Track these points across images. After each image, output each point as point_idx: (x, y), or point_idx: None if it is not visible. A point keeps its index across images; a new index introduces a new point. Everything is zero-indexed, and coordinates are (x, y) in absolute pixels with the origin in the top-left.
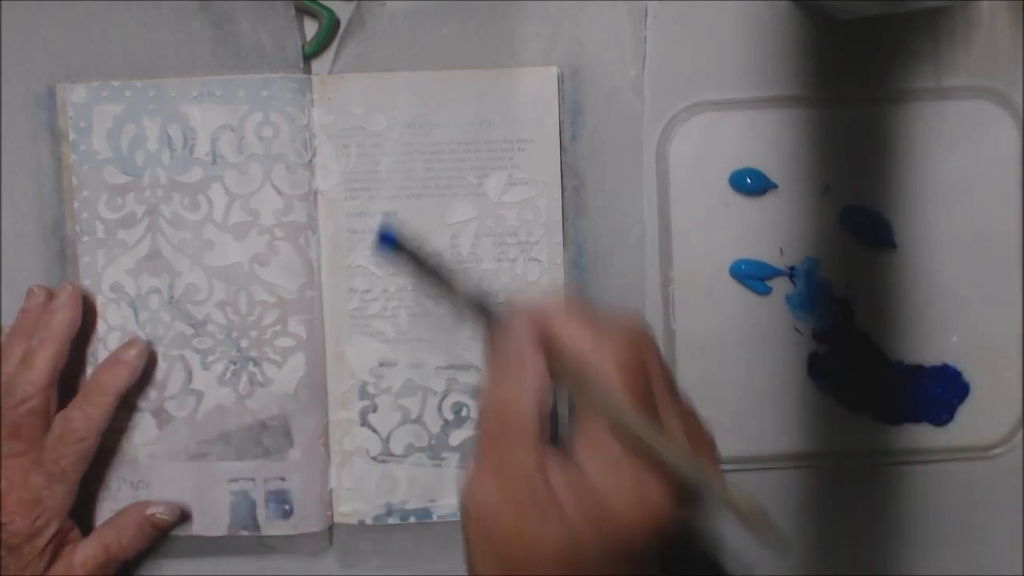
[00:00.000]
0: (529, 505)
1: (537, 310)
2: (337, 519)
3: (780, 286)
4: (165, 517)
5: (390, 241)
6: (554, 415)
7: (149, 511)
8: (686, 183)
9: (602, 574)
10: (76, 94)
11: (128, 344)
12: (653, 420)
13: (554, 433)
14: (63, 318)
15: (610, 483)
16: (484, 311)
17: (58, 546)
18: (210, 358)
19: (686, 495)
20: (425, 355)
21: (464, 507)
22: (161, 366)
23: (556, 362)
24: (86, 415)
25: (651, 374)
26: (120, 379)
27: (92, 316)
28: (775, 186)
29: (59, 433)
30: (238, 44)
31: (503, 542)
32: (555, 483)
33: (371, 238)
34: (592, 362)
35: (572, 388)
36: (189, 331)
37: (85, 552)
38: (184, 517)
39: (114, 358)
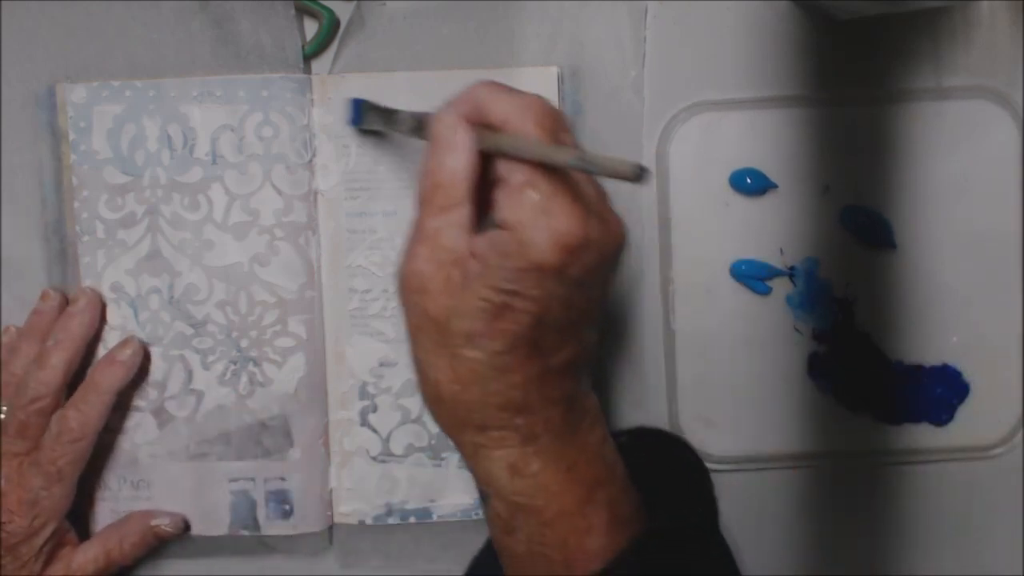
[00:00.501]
0: (454, 266)
1: (464, 94)
2: (337, 519)
3: (780, 286)
4: (169, 529)
5: (357, 107)
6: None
7: (154, 522)
8: (686, 183)
9: (527, 295)
10: (76, 94)
11: (123, 343)
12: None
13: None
14: (82, 321)
15: (527, 224)
16: (427, 121)
17: (55, 547)
18: (210, 358)
19: (593, 216)
20: None
21: (401, 279)
22: (161, 366)
23: (483, 133)
24: (82, 415)
25: (560, 134)
26: (115, 378)
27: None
28: (775, 186)
29: (56, 433)
30: (238, 44)
31: (434, 304)
32: (478, 242)
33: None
34: (514, 123)
35: (496, 150)
36: (189, 331)
37: (85, 555)
38: (186, 529)
39: (109, 357)
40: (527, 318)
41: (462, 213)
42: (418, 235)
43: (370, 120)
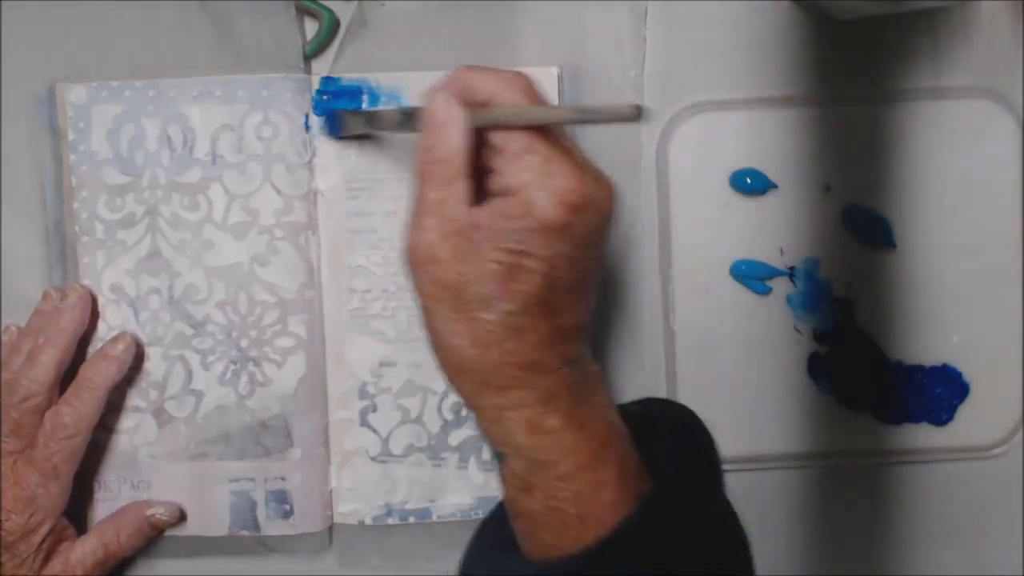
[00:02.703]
0: (460, 235)
1: (448, 77)
2: (337, 519)
3: (780, 286)
4: (164, 517)
5: (331, 118)
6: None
7: (149, 512)
8: (686, 183)
9: (537, 254)
10: (76, 94)
11: (115, 338)
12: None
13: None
14: (72, 318)
15: (531, 184)
16: (416, 111)
17: (53, 544)
18: (210, 358)
19: (589, 175)
20: (425, 355)
21: (410, 252)
22: (161, 366)
23: (476, 111)
24: (76, 410)
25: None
26: (108, 374)
27: (93, 317)
28: (775, 186)
29: (50, 429)
30: (238, 44)
31: (447, 272)
32: (480, 212)
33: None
34: (503, 96)
35: (492, 123)
36: (189, 331)
37: (84, 549)
38: (182, 517)
39: (101, 353)
40: (538, 278)
41: (463, 186)
42: (422, 208)
43: (351, 126)
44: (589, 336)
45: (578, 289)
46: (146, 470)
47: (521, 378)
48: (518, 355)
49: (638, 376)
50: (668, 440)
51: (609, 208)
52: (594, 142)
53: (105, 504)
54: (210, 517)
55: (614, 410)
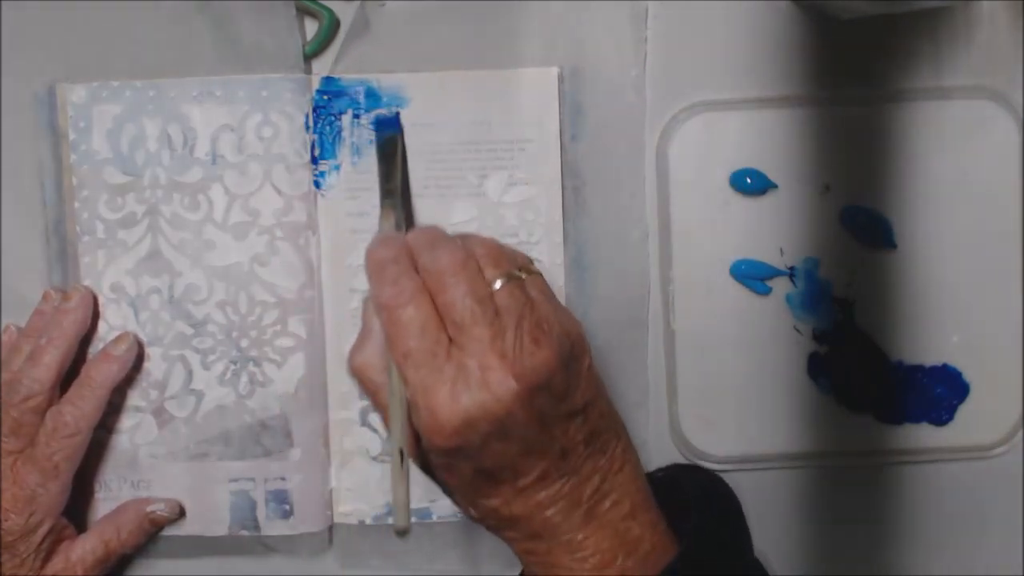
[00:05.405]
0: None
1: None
2: (337, 519)
3: (780, 286)
4: (164, 514)
5: (391, 126)
6: None
7: (149, 508)
8: (686, 183)
9: (456, 462)
10: (76, 94)
11: (117, 339)
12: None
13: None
14: (74, 319)
15: (414, 415)
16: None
17: (53, 543)
18: (210, 358)
19: (469, 390)
20: None
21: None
22: (161, 366)
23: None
24: (77, 410)
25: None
26: (110, 374)
27: (94, 317)
28: (775, 186)
29: (51, 428)
30: (238, 44)
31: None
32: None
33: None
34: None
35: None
36: (189, 331)
37: (84, 547)
38: (182, 513)
39: (103, 353)
40: (469, 471)
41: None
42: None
43: (387, 148)
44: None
45: (530, 455)
46: (146, 470)
47: (501, 527)
48: (490, 511)
49: (638, 376)
50: (695, 507)
51: (503, 413)
52: (594, 142)
53: (105, 504)
54: (210, 517)
55: (639, 520)
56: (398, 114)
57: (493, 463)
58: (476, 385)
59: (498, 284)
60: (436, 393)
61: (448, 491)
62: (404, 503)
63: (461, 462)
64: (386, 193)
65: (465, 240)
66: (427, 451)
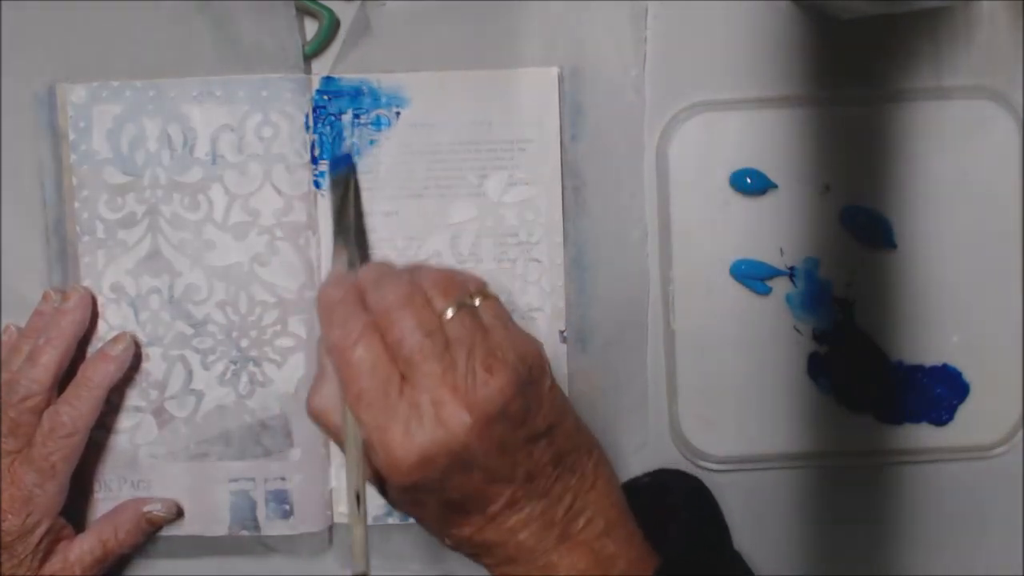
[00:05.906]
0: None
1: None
2: (337, 519)
3: (780, 286)
4: (162, 514)
5: (343, 164)
6: None
7: (146, 508)
8: (686, 183)
9: (420, 497)
10: (76, 94)
11: (115, 339)
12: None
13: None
14: (73, 319)
15: (372, 458)
16: (353, 257)
17: (51, 543)
18: (210, 358)
19: (419, 429)
20: None
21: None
22: (161, 366)
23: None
24: (74, 410)
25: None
26: (107, 373)
27: (93, 317)
28: (775, 186)
29: (48, 428)
30: (238, 44)
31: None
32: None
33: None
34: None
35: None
36: (189, 331)
37: (82, 547)
38: (179, 513)
39: (101, 353)
40: (435, 504)
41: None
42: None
43: (339, 186)
44: (568, 468)
45: (496, 484)
46: (146, 470)
47: (475, 553)
48: (463, 540)
49: (638, 376)
50: (677, 519)
51: (459, 447)
52: (594, 142)
53: (105, 504)
54: (210, 517)
55: (612, 538)
56: (350, 153)
57: (459, 494)
58: (430, 422)
59: (449, 314)
60: (390, 432)
61: (419, 523)
62: (362, 546)
63: (424, 496)
64: (339, 231)
65: (414, 272)
66: (389, 489)
